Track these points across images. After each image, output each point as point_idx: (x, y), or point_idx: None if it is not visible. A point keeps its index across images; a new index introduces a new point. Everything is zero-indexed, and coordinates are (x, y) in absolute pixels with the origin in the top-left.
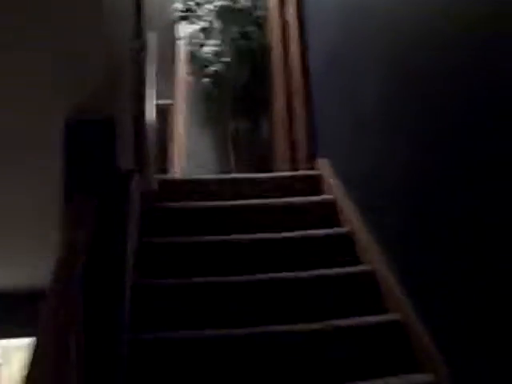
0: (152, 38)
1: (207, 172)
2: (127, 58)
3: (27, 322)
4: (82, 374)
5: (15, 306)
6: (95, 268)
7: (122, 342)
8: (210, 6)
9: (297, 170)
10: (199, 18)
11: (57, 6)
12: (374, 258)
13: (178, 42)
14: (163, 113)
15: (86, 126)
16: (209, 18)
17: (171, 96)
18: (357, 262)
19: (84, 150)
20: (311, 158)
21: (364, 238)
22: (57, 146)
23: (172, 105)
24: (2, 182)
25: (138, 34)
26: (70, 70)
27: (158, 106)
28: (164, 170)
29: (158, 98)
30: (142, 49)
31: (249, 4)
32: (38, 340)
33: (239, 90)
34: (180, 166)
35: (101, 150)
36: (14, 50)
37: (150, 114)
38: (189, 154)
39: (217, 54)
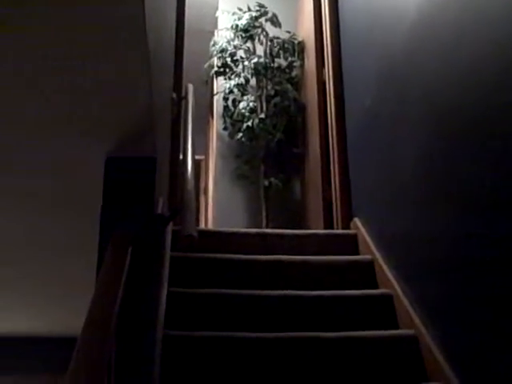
0: (190, 89)
1: (238, 227)
2: (168, 106)
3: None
4: None
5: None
6: (127, 316)
7: None
8: (247, 63)
9: (331, 229)
10: (235, 74)
11: (105, 52)
12: (413, 323)
13: (214, 96)
14: (196, 167)
15: (127, 162)
16: (245, 75)
17: (204, 151)
18: (395, 325)
19: (124, 187)
20: (346, 218)
21: (403, 301)
22: (97, 183)
23: (205, 159)
24: (39, 217)
25: (178, 84)
26: (115, 108)
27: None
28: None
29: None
30: (180, 99)
31: (285, 63)
32: None
33: (273, 147)
34: (211, 220)
35: (140, 188)
36: (65, 90)
37: (190, 160)
38: (220, 208)
39: (252, 111)
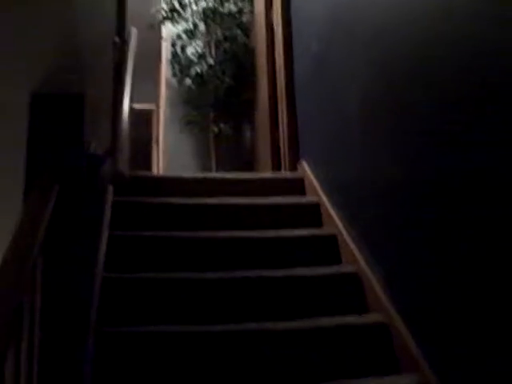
0: (133, 33)
1: (188, 173)
2: (107, 48)
3: None
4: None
5: None
6: (60, 260)
7: (89, 335)
8: (195, 8)
9: (279, 172)
10: (184, 19)
11: None
12: (355, 260)
13: (162, 42)
14: (148, 116)
15: (53, 100)
16: (193, 20)
17: (156, 100)
18: (339, 262)
19: (50, 125)
20: (294, 162)
21: (346, 240)
22: (22, 121)
23: (156, 108)
24: None
25: (121, 29)
26: (37, 43)
27: (142, 109)
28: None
29: (143, 101)
30: (123, 42)
31: (234, 8)
32: None
33: (222, 92)
34: (163, 168)
35: (68, 126)
36: None
37: (127, 102)
38: (171, 155)
39: (200, 56)
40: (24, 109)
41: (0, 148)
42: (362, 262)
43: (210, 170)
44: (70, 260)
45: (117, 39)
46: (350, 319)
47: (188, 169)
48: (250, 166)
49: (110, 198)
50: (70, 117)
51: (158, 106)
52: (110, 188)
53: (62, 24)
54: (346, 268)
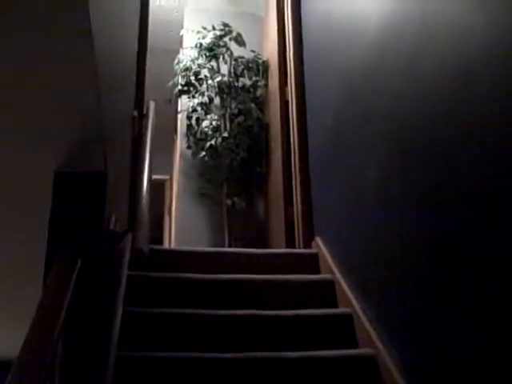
0: (151, 107)
1: (200, 246)
2: (126, 123)
3: None
4: None
5: None
6: (77, 337)
7: None
8: (211, 82)
9: (293, 248)
10: (199, 92)
11: (48, 56)
12: (372, 342)
13: (178, 115)
14: (161, 187)
15: (75, 177)
16: (209, 94)
17: (169, 171)
18: (355, 344)
19: (72, 202)
20: (308, 238)
21: (362, 320)
22: (44, 198)
23: (170, 179)
24: None
25: (139, 103)
26: (61, 121)
27: (156, 180)
28: (159, 243)
29: (156, 172)
30: (142, 116)
31: (249, 82)
32: None
33: (236, 166)
34: (174, 240)
35: (90, 204)
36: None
37: (146, 177)
38: (182, 227)
39: (215, 129)
40: (48, 186)
41: (24, 223)
42: (378, 344)
43: (222, 242)
44: (85, 338)
45: (135, 113)
46: None
47: (200, 241)
48: (263, 241)
49: (125, 272)
50: (92, 194)
51: (171, 178)
52: (126, 263)
53: (85, 101)
54: (360, 350)
